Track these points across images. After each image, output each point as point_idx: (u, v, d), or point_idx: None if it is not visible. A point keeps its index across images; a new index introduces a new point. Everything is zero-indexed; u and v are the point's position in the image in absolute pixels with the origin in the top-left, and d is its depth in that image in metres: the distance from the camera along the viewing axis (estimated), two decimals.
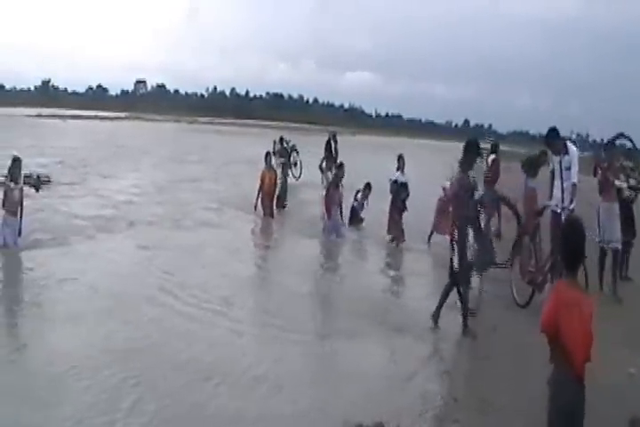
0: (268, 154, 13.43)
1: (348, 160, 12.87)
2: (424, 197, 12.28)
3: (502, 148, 13.70)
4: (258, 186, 12.95)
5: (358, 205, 12.80)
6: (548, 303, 3.51)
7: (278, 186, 13.60)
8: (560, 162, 7.66)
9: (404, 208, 11.38)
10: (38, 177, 14.24)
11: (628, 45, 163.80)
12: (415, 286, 8.93)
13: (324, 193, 12.04)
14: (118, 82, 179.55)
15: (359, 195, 12.85)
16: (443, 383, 5.60)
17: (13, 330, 6.27)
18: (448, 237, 6.85)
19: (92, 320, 6.28)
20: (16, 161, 9.24)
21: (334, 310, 7.59)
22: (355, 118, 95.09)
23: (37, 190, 12.77)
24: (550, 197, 7.98)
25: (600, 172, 8.51)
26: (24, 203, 9.30)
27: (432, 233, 11.07)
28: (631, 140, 8.80)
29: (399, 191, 11.38)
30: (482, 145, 7.47)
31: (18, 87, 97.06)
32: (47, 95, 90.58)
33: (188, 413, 4.54)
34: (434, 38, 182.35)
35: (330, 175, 13.90)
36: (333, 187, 11.72)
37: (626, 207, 8.62)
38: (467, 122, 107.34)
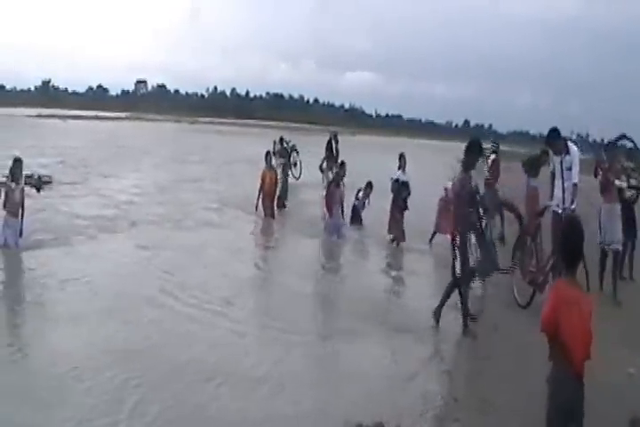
0: (268, 153, 13.44)
1: (349, 160, 12.87)
2: (425, 197, 12.29)
3: (502, 148, 13.71)
4: (258, 186, 12.96)
5: (359, 204, 12.81)
6: (547, 302, 3.54)
7: (279, 186, 13.62)
8: (561, 162, 7.65)
9: (405, 207, 11.38)
10: (39, 177, 14.23)
11: (629, 45, 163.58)
12: (416, 286, 8.94)
13: (325, 192, 12.05)
14: (119, 82, 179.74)
15: (360, 194, 12.86)
16: (443, 383, 5.61)
17: (15, 330, 6.28)
18: (449, 237, 6.88)
19: (94, 321, 6.29)
20: (17, 161, 9.25)
21: (335, 311, 7.59)
22: (355, 118, 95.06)
23: (39, 191, 12.79)
24: (551, 197, 7.99)
25: (601, 172, 8.51)
26: (25, 203, 9.30)
27: (434, 234, 11.07)
28: (633, 141, 8.80)
29: (400, 190, 11.38)
30: (484, 145, 7.48)
31: (18, 87, 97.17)
32: (47, 95, 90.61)
33: (191, 414, 4.54)
34: (434, 38, 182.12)
35: (331, 175, 13.92)
36: (334, 185, 11.73)
37: (627, 208, 8.63)
38: (467, 122, 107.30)
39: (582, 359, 3.43)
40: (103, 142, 28.66)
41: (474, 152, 6.83)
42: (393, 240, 11.29)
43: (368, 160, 21.16)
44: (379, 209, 12.37)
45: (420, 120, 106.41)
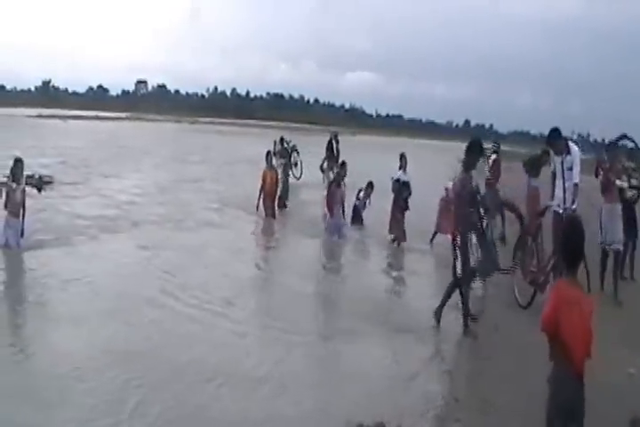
0: (268, 153, 13.44)
1: (350, 160, 12.87)
2: (426, 197, 12.30)
3: (503, 147, 13.72)
4: (259, 186, 12.96)
5: (360, 204, 12.82)
6: (548, 302, 3.55)
7: (279, 186, 13.62)
8: (562, 162, 7.65)
9: (406, 207, 11.39)
10: (40, 177, 14.24)
11: (629, 45, 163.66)
12: (417, 286, 8.94)
13: (326, 191, 12.06)
14: (119, 82, 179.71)
15: (361, 194, 12.87)
16: (444, 383, 5.61)
17: (16, 330, 6.29)
18: (450, 237, 6.88)
19: (95, 321, 6.29)
20: (18, 162, 9.25)
21: (336, 311, 7.60)
22: (355, 118, 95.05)
23: (40, 191, 12.79)
24: (552, 197, 7.99)
25: (602, 173, 8.51)
26: (26, 203, 9.31)
27: (435, 234, 11.08)
28: (634, 141, 8.79)
29: (401, 190, 11.39)
30: (485, 145, 7.49)
31: (18, 88, 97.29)
32: (47, 96, 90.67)
33: (192, 414, 4.55)
34: (434, 38, 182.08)
35: (331, 175, 13.92)
36: (335, 185, 11.73)
37: (628, 208, 8.63)
38: (467, 122, 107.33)
39: (583, 359, 3.44)
40: (104, 142, 28.69)
41: (475, 152, 6.83)
42: (394, 240, 11.29)
43: (369, 160, 21.16)
44: (379, 209, 12.38)
45: (421, 120, 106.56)
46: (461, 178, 6.77)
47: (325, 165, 15.86)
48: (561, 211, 7.55)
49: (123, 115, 65.28)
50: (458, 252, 6.60)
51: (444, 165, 19.58)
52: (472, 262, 6.63)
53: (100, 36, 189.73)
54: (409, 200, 11.42)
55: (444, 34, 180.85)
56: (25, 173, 9.66)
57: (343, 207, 11.76)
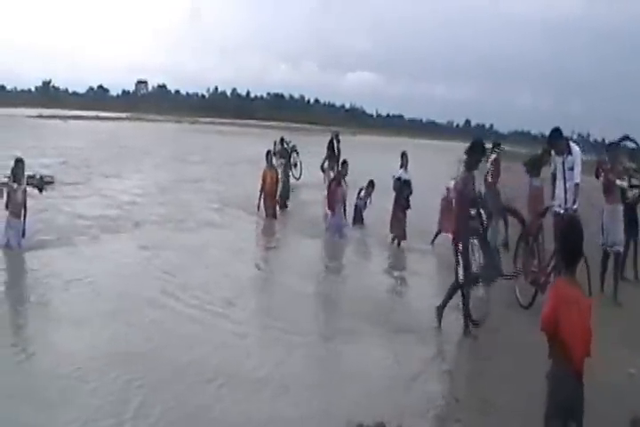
0: (269, 153, 13.46)
1: (350, 159, 12.87)
2: (427, 197, 12.30)
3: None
4: (260, 186, 12.97)
5: (361, 203, 12.83)
6: (547, 301, 3.56)
7: (280, 186, 13.63)
8: (563, 162, 7.65)
9: (407, 206, 11.39)
10: (41, 177, 14.26)
11: (630, 44, 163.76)
12: (418, 286, 8.95)
13: (326, 191, 12.06)
14: (119, 82, 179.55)
15: (362, 193, 12.88)
16: (445, 384, 5.62)
17: (18, 330, 6.30)
18: (451, 237, 6.88)
19: (96, 322, 6.30)
20: (19, 162, 9.26)
21: (337, 311, 7.60)
22: (356, 118, 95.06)
23: (41, 191, 12.82)
24: (553, 197, 7.99)
25: (603, 173, 8.51)
26: (27, 204, 9.32)
27: (438, 233, 11.05)
28: (636, 142, 8.78)
29: (402, 188, 11.39)
30: (486, 145, 7.49)
31: (18, 88, 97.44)
32: (48, 96, 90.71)
33: (194, 415, 4.55)
34: (434, 38, 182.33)
35: (332, 175, 13.93)
36: (335, 183, 11.73)
37: (630, 209, 8.63)
38: (468, 122, 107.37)
39: (582, 357, 3.45)
40: (104, 143, 28.70)
41: (476, 152, 6.85)
42: (393, 239, 11.28)
43: (369, 160, 21.18)
44: (380, 208, 12.38)
45: (421, 120, 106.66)
46: (463, 177, 6.78)
47: (326, 164, 15.88)
48: (562, 211, 7.55)
49: (123, 115, 65.29)
50: (460, 257, 6.60)
51: (445, 165, 19.57)
52: (474, 268, 6.63)
53: (100, 36, 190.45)
54: (410, 199, 11.43)
55: (444, 34, 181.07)
56: (26, 173, 9.67)
57: (344, 206, 11.76)
